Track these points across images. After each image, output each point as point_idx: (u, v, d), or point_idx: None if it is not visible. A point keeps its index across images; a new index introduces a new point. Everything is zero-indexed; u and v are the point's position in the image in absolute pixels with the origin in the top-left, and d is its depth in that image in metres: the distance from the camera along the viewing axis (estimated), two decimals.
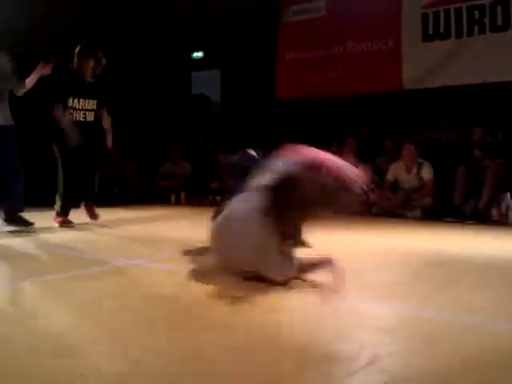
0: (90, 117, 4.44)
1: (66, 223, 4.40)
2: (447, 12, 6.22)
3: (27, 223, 4.06)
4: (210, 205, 5.70)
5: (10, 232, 3.98)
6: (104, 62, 4.40)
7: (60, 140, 4.32)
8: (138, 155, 7.81)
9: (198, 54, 8.87)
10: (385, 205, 5.57)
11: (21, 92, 4.11)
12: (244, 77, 8.03)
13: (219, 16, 7.67)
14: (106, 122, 4.58)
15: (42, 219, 4.34)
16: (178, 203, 7.03)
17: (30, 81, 4.10)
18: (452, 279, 2.47)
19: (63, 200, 4.41)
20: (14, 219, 4.06)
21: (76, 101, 4.34)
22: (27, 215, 4.12)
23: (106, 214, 4.87)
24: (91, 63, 4.34)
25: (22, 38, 3.97)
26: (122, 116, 8.28)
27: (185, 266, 2.45)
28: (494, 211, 4.94)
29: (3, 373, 1.32)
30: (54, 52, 4.27)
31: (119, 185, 7.40)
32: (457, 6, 6.16)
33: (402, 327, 1.69)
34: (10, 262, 2.91)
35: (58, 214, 4.43)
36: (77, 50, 4.36)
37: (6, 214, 4.09)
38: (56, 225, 4.38)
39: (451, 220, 4.96)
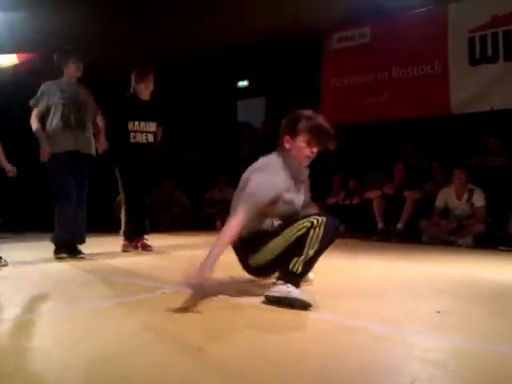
0: (151, 138, 4.63)
1: (129, 247, 4.62)
2: (495, 35, 6.12)
3: (80, 252, 4.19)
4: None
5: (67, 258, 4.14)
6: (151, 78, 4.60)
7: (122, 165, 4.57)
8: (185, 182, 8.01)
9: (243, 83, 9.07)
10: (434, 232, 5.43)
11: (94, 123, 4.32)
12: (289, 104, 8.12)
13: (263, 46, 7.84)
14: (157, 137, 4.73)
15: (101, 245, 4.52)
16: None
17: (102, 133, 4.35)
18: (506, 310, 2.37)
19: (128, 224, 4.63)
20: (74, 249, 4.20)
21: (137, 124, 4.53)
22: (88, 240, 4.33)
23: (154, 241, 4.99)
24: (143, 84, 4.55)
25: (87, 73, 4.25)
26: (171, 143, 8.58)
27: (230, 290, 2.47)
28: None
29: None
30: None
31: (170, 212, 7.60)
32: (505, 28, 6.06)
33: (454, 360, 1.64)
34: (60, 287, 3.01)
35: (125, 238, 4.66)
36: (132, 74, 4.61)
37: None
38: (122, 250, 4.59)
39: (505, 249, 4.76)
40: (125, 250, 4.60)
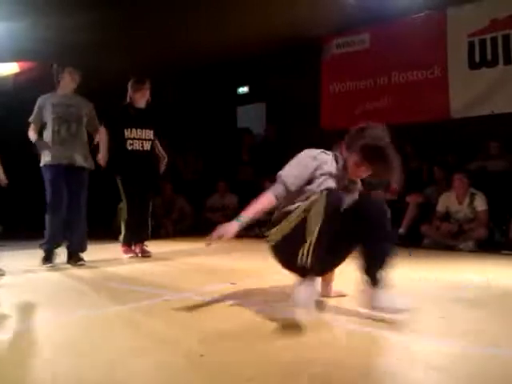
0: (147, 146, 4.69)
1: (130, 252, 4.68)
2: (494, 39, 6.14)
3: (80, 259, 4.18)
4: (256, 237, 5.70)
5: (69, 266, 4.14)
6: (148, 86, 4.69)
7: (122, 173, 4.62)
8: (185, 188, 8.01)
9: (244, 89, 9.09)
10: (436, 236, 5.42)
11: (95, 136, 4.43)
12: (288, 109, 8.13)
13: (263, 52, 7.86)
14: (160, 150, 4.82)
15: (102, 252, 4.51)
16: None
17: (102, 145, 4.45)
18: (509, 314, 2.36)
19: (127, 230, 4.70)
20: (75, 257, 4.20)
21: (134, 131, 4.61)
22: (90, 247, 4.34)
23: (156, 247, 4.99)
24: (139, 93, 4.65)
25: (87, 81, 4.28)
26: (172, 148, 8.58)
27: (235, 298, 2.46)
28: None
29: None
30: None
31: (170, 217, 7.59)
32: (504, 32, 6.08)
33: (458, 366, 1.63)
34: (60, 295, 3.01)
35: (124, 244, 4.73)
36: (129, 83, 4.71)
37: (68, 251, 4.24)
38: (124, 255, 4.66)
39: (507, 253, 4.74)
40: (128, 255, 4.66)
